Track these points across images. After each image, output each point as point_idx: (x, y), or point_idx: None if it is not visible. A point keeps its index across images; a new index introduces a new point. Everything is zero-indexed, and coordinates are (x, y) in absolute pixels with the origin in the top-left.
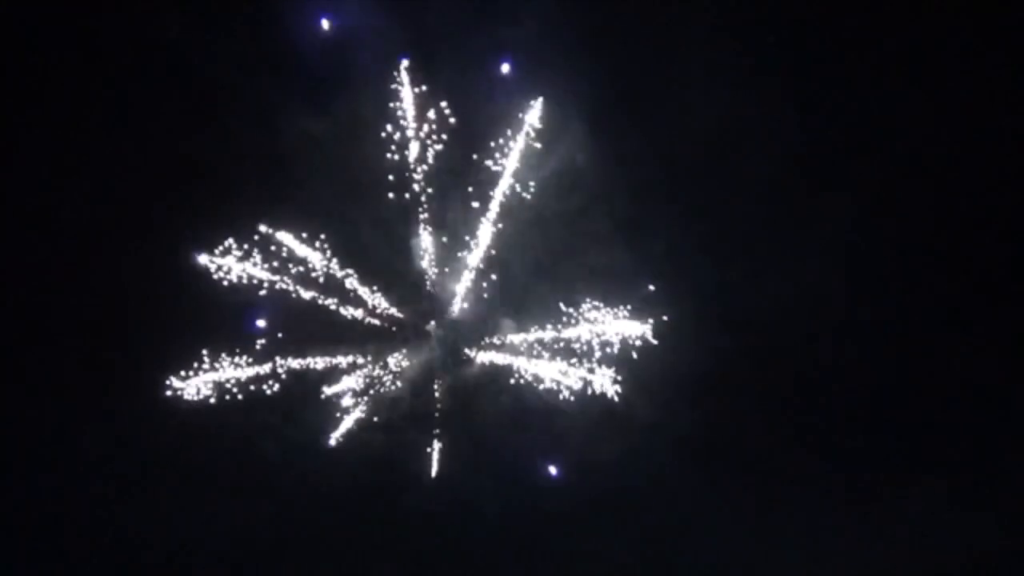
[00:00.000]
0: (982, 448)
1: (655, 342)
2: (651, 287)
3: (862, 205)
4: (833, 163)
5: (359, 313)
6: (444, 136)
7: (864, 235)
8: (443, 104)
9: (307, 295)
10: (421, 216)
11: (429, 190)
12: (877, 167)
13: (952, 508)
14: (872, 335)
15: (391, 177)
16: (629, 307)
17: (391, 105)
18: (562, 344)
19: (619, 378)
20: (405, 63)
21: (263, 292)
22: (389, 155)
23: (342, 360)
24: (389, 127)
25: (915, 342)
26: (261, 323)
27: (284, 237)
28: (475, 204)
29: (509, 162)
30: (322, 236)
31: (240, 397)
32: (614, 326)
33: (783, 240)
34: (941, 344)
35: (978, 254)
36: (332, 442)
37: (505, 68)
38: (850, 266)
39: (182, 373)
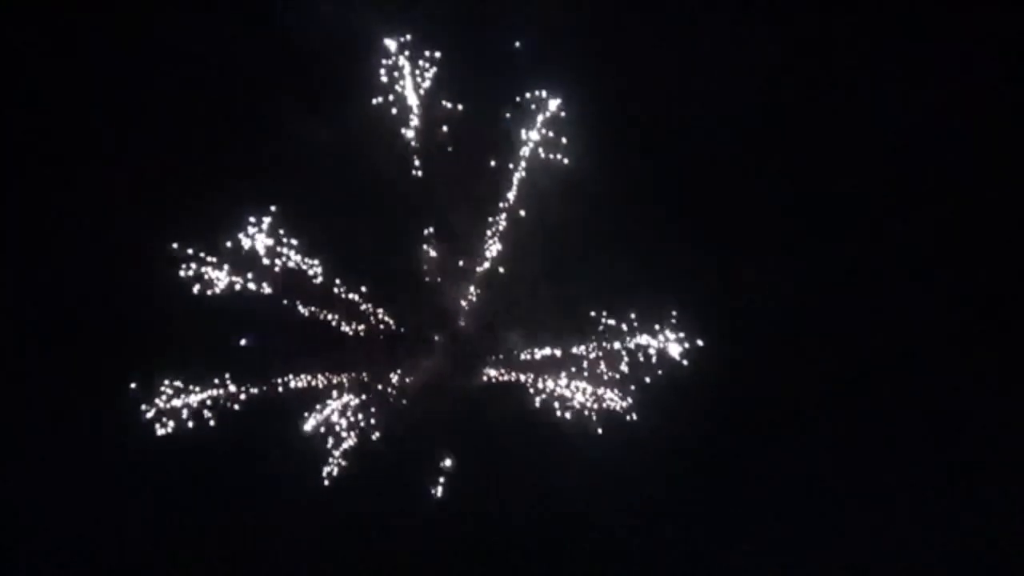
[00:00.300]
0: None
1: (684, 362)
2: (664, 299)
3: (873, 210)
4: (849, 167)
5: (361, 326)
6: (449, 141)
7: (878, 241)
8: (449, 106)
9: (306, 308)
10: (425, 226)
11: (434, 198)
12: (893, 175)
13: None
14: (881, 343)
15: (392, 180)
16: (639, 319)
17: (394, 110)
18: (572, 357)
19: (632, 387)
20: (409, 66)
21: (258, 304)
22: (392, 160)
23: (343, 376)
24: (384, 135)
25: (925, 351)
26: (257, 337)
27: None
28: (481, 211)
29: (517, 168)
30: (323, 245)
31: (237, 413)
32: (626, 341)
33: (795, 247)
34: (950, 351)
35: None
36: (331, 459)
37: (517, 44)
38: (863, 274)
39: (178, 385)
